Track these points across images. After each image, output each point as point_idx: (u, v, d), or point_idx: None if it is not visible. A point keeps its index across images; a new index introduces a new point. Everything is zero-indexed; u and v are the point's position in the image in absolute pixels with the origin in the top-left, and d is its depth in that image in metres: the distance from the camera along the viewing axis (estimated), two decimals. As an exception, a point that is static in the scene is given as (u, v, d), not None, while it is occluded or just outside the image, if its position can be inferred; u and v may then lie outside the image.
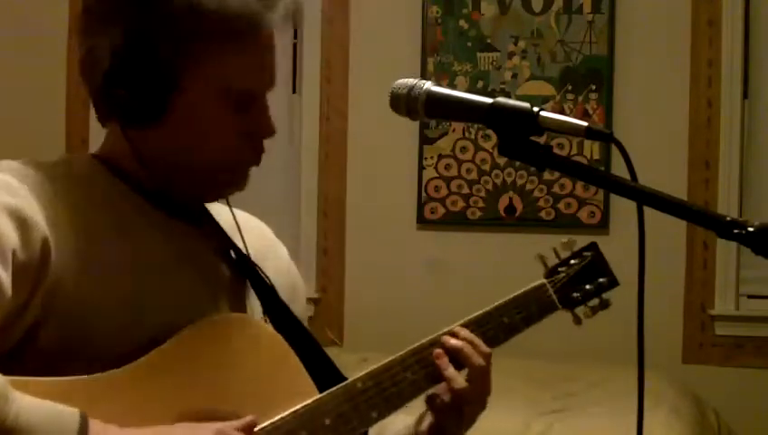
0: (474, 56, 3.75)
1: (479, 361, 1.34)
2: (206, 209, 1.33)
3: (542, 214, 3.67)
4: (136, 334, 1.14)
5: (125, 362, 1.12)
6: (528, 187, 3.69)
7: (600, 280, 1.53)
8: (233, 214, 1.35)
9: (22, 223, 1.08)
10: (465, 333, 1.38)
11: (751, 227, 0.93)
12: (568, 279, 1.52)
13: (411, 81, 1.17)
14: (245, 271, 1.32)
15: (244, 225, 1.37)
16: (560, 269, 1.53)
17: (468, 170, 3.74)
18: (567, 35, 3.67)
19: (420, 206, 3.79)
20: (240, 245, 1.33)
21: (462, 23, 3.75)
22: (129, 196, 1.23)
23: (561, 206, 3.66)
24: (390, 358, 1.32)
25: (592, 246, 1.56)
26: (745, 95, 3.57)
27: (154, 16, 1.16)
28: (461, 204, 3.75)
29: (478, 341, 1.37)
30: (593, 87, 3.64)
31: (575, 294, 1.51)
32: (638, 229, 1.11)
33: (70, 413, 1.02)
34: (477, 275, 3.71)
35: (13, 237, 1.06)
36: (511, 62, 3.72)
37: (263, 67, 1.22)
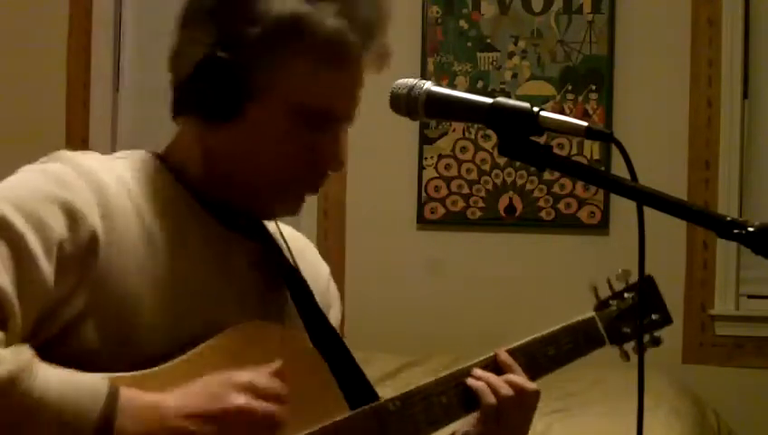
0: (474, 56, 3.75)
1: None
2: (257, 220, 1.33)
3: (542, 214, 3.67)
4: (171, 339, 1.15)
5: (158, 364, 1.13)
6: (528, 187, 3.69)
7: (653, 316, 1.50)
8: (278, 226, 1.36)
9: (71, 216, 1.10)
10: (507, 376, 1.35)
11: (751, 227, 0.93)
12: (618, 313, 1.49)
13: (411, 81, 1.17)
14: (288, 284, 1.31)
15: (292, 242, 1.38)
16: (611, 302, 1.50)
17: (468, 170, 3.74)
18: (567, 35, 3.67)
19: (420, 206, 3.78)
20: (286, 256, 1.33)
21: (462, 23, 3.75)
22: (185, 198, 1.23)
23: (561, 206, 3.66)
24: (426, 381, 1.31)
25: (648, 280, 1.52)
26: (745, 95, 3.57)
27: (254, 22, 1.17)
28: (461, 204, 3.75)
29: (519, 380, 1.35)
30: (593, 87, 3.64)
31: (625, 329, 1.48)
32: (638, 229, 1.10)
33: (99, 382, 1.03)
34: (477, 275, 3.71)
35: (60, 230, 1.08)
36: (511, 62, 3.72)
37: (343, 92, 1.23)
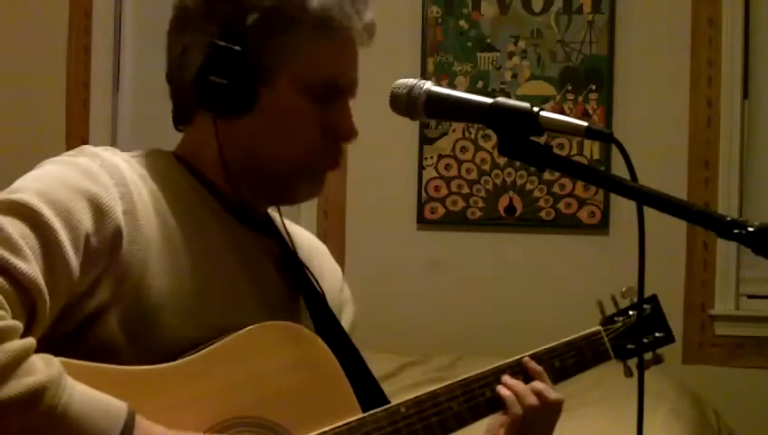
0: (474, 56, 3.75)
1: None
2: (270, 218, 1.36)
3: (542, 214, 3.67)
4: (192, 335, 1.16)
5: (177, 358, 1.14)
6: (528, 187, 3.69)
7: (657, 334, 1.52)
8: (284, 225, 1.38)
9: (98, 210, 1.11)
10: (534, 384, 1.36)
11: (751, 227, 0.93)
12: (624, 329, 1.49)
13: (411, 81, 1.17)
14: (301, 284, 1.33)
15: (304, 241, 1.41)
16: (616, 319, 1.51)
17: (468, 170, 3.74)
18: (567, 35, 3.67)
19: (420, 206, 3.78)
20: (298, 256, 1.35)
21: (462, 23, 3.75)
22: (204, 197, 1.25)
23: (561, 206, 3.66)
24: (437, 386, 1.32)
25: (653, 299, 1.54)
26: (745, 95, 3.57)
27: (250, 9, 1.21)
28: (461, 204, 3.75)
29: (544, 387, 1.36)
30: (593, 87, 3.64)
31: (630, 346, 1.49)
32: (638, 229, 1.10)
33: (119, 407, 1.03)
34: (477, 275, 3.71)
35: (88, 223, 1.10)
36: (511, 62, 3.72)
37: (342, 61, 1.27)
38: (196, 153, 1.27)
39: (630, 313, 1.51)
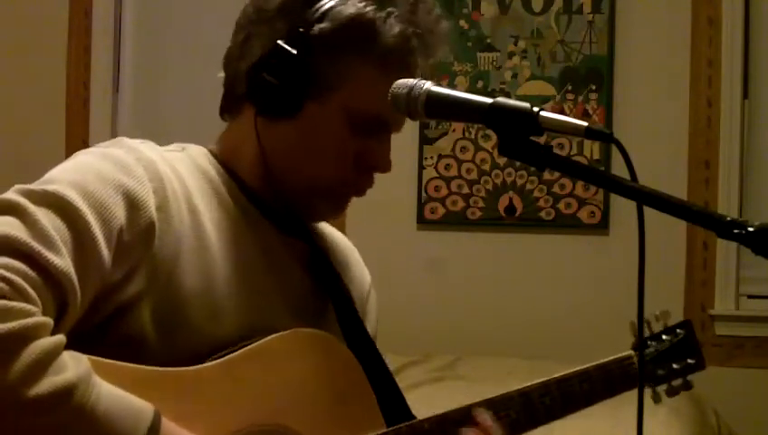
0: (474, 56, 3.75)
1: None
2: (302, 221, 1.34)
3: (542, 214, 3.67)
4: (219, 335, 1.16)
5: (200, 360, 1.14)
6: (528, 187, 3.69)
7: (689, 361, 1.50)
8: (314, 230, 1.36)
9: (132, 204, 1.11)
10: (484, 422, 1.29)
11: (751, 227, 0.93)
12: (657, 354, 1.48)
13: (411, 81, 1.17)
14: (330, 288, 1.32)
15: (337, 245, 1.41)
16: (649, 343, 1.49)
17: (468, 170, 3.74)
18: (567, 35, 3.67)
19: (420, 206, 3.78)
20: (329, 260, 1.34)
21: (462, 23, 3.75)
22: (237, 195, 1.25)
23: (561, 206, 3.66)
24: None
25: (686, 324, 1.53)
26: (745, 95, 3.57)
27: (323, 21, 1.20)
28: (461, 204, 3.75)
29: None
30: (593, 87, 3.64)
31: (660, 371, 1.48)
32: (639, 229, 1.10)
33: (145, 408, 1.03)
34: (477, 275, 3.71)
35: (121, 217, 1.09)
36: (511, 62, 3.72)
37: None
38: (235, 149, 1.27)
39: (664, 337, 1.49)
